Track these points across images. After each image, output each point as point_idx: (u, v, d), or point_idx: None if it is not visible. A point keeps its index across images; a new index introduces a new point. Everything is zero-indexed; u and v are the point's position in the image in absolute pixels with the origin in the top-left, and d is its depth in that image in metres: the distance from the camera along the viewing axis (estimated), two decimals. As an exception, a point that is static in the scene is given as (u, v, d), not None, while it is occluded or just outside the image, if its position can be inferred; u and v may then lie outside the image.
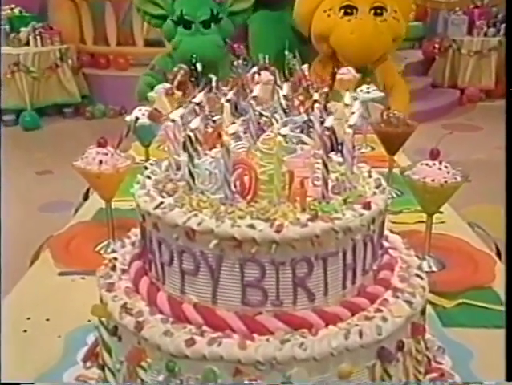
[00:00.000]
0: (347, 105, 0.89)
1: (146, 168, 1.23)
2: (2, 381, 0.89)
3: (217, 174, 0.83)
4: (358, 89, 1.87)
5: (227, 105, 1.00)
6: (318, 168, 0.85)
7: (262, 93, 2.67)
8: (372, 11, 2.89)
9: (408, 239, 0.97)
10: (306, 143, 0.93)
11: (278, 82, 2.39)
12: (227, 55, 3.06)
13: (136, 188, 0.85)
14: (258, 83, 2.48)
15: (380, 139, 1.56)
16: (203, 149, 1.00)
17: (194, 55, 2.10)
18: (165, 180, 0.84)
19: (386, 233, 0.92)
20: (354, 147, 0.84)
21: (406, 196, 1.48)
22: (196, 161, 0.82)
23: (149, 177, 0.87)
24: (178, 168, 0.87)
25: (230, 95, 1.06)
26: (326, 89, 1.84)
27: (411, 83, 3.89)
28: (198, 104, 0.98)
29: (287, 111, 1.94)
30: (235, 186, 0.80)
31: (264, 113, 2.30)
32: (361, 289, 0.78)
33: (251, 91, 2.58)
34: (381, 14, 2.92)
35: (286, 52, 2.31)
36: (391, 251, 0.89)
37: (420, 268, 0.86)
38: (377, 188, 0.82)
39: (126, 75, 4.75)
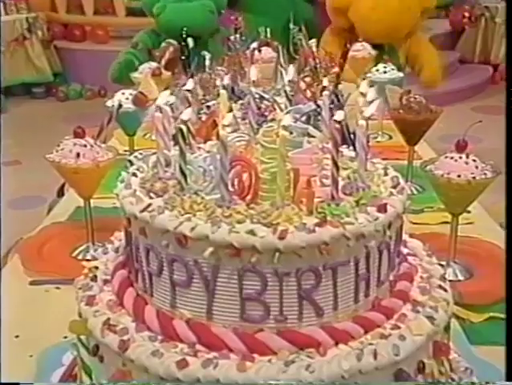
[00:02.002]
0: (362, 93, 0.90)
1: (131, 162, 1.25)
2: None
3: (212, 172, 0.85)
4: (373, 68, 1.88)
5: (223, 92, 1.01)
6: (326, 165, 0.87)
7: (264, 73, 2.70)
8: None
9: (430, 243, 0.99)
10: (313, 136, 0.95)
11: (282, 60, 2.42)
12: (219, 29, 3.04)
13: (120, 187, 0.86)
14: (258, 61, 2.52)
15: (399, 127, 1.58)
16: (196, 142, 1.03)
17: (184, 29, 2.10)
18: (153, 178, 0.86)
19: (404, 237, 0.94)
20: (368, 141, 0.86)
21: (428, 192, 1.50)
22: (188, 157, 0.84)
23: (135, 175, 0.89)
24: (168, 165, 0.88)
25: (227, 80, 1.07)
26: (336, 69, 1.87)
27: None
28: (190, 91, 0.99)
29: (292, 94, 1.96)
30: (233, 186, 0.81)
31: (265, 96, 2.32)
32: (376, 303, 0.80)
33: (250, 71, 2.59)
34: None
35: (291, 25, 2.33)
36: (410, 258, 0.91)
37: (443, 278, 0.88)
38: (394, 187, 0.84)
39: (105, 50, 4.73)
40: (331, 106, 1.22)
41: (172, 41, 2.22)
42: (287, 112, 0.93)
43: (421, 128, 1.53)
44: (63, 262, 1.33)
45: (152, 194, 0.82)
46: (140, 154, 1.26)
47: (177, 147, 0.83)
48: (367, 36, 2.72)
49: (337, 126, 0.75)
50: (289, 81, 1.03)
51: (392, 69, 1.87)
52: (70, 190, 1.57)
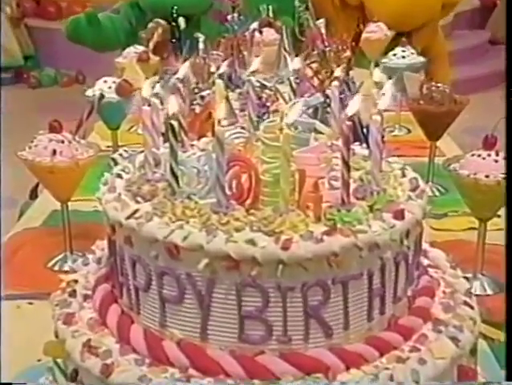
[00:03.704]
0: (376, 83, 0.91)
1: (115, 161, 1.26)
2: None
3: (207, 173, 0.86)
4: (390, 53, 1.89)
5: (220, 82, 1.02)
6: (336, 165, 0.88)
7: (265, 57, 2.71)
8: None
9: (455, 253, 1.00)
10: (321, 132, 0.96)
11: (286, 43, 2.43)
12: (213, 3, 3.03)
13: (103, 190, 0.88)
14: (258, 44, 2.53)
15: (419, 120, 1.59)
16: (189, 139, 1.04)
17: (175, 7, 2.11)
18: (141, 180, 0.87)
19: (425, 246, 0.95)
20: (383, 136, 0.87)
21: (452, 194, 1.51)
22: (180, 156, 0.85)
23: (120, 176, 0.90)
24: (157, 165, 0.90)
25: (224, 68, 1.08)
26: (348, 53, 1.88)
27: (463, 39, 3.90)
28: (181, 80, 1.01)
29: (297, 82, 1.96)
30: (230, 188, 0.83)
31: (267, 84, 2.34)
32: (392, 322, 0.81)
33: (250, 56, 2.61)
34: None
35: (297, 2, 2.34)
36: (431, 271, 0.92)
37: (469, 292, 0.89)
38: (413, 190, 0.85)
39: (84, 29, 4.75)
40: (342, 96, 1.23)
41: (160, 21, 2.24)
42: (291, 106, 0.94)
43: (444, 121, 1.54)
44: (37, 274, 1.34)
45: (139, 198, 0.83)
46: (126, 151, 1.27)
47: (167, 145, 0.85)
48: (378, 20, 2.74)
49: (348, 122, 0.76)
50: (294, 70, 1.04)
51: (412, 53, 1.88)
52: (44, 191, 1.58)
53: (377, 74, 0.95)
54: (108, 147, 1.73)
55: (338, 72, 1.03)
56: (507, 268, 1.09)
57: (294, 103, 0.92)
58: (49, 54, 5.10)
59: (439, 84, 1.53)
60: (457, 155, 1.28)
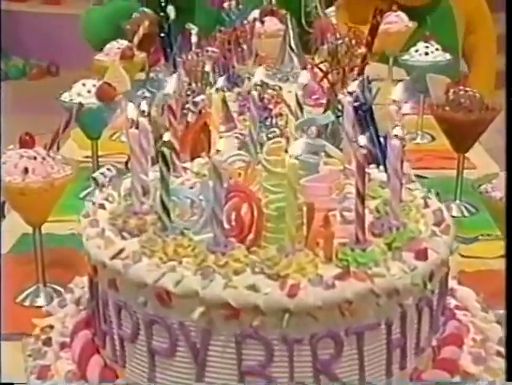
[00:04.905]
0: (394, 101, 0.92)
1: (96, 180, 1.27)
2: None
3: (202, 203, 0.87)
4: (412, 49, 1.90)
5: (216, 96, 1.04)
6: (349, 194, 0.89)
7: (267, 50, 2.72)
8: None
9: (487, 285, 1.00)
10: (331, 156, 0.97)
11: (291, 34, 2.44)
12: None
13: (84, 223, 0.89)
14: (260, 35, 2.54)
15: (444, 129, 1.58)
16: (181, 160, 1.05)
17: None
18: (127, 212, 0.88)
19: (451, 283, 0.96)
20: (403, 162, 0.88)
21: (484, 214, 1.51)
22: (171, 183, 0.86)
23: (103, 207, 0.91)
24: (145, 193, 0.91)
25: (221, 82, 1.09)
26: (363, 49, 1.89)
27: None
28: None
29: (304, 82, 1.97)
30: (229, 222, 0.84)
31: (270, 82, 2.35)
32: (415, 377, 0.82)
33: (249, 49, 2.62)
34: None
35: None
36: (459, 314, 0.93)
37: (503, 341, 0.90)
38: (438, 224, 0.86)
39: (57, 13, 4.76)
40: (355, 104, 1.24)
41: (147, 10, 2.24)
42: (298, 126, 0.96)
43: (474, 131, 1.54)
44: (4, 310, 1.34)
45: (125, 234, 0.84)
46: (109, 170, 1.27)
47: (157, 168, 0.86)
48: None
49: (362, 150, 0.78)
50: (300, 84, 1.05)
51: (437, 49, 1.88)
52: (12, 212, 1.59)
53: (398, 91, 0.95)
54: (87, 157, 1.74)
55: (353, 86, 1.04)
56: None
57: (300, 125, 0.93)
58: (16, 41, 5.07)
59: (467, 88, 1.53)
60: (488, 174, 1.28)
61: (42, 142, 1.35)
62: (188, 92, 1.86)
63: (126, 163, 1.55)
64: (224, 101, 2.00)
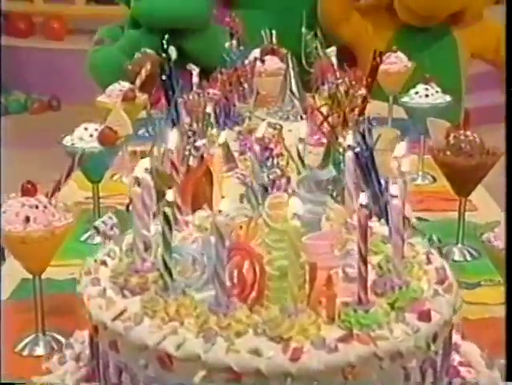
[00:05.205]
0: (395, 158, 0.93)
1: (97, 229, 1.27)
2: None
3: (204, 259, 0.87)
4: (412, 91, 1.91)
5: (219, 152, 1.04)
6: (352, 250, 0.89)
7: (268, 88, 2.73)
8: None
9: (490, 334, 1.00)
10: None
11: (292, 72, 2.46)
12: (210, 26, 3.05)
13: (85, 281, 0.88)
14: (261, 74, 2.56)
15: (446, 173, 1.59)
16: (183, 212, 1.05)
17: (165, 37, 2.14)
18: (129, 270, 0.88)
19: (455, 338, 0.95)
20: (404, 219, 0.88)
21: (486, 258, 1.51)
22: (173, 237, 0.86)
23: (104, 263, 0.91)
24: (147, 249, 0.91)
25: (223, 137, 1.10)
26: (363, 91, 1.90)
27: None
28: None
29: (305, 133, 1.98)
30: (231, 279, 0.84)
31: (271, 120, 2.36)
32: None
33: (250, 88, 2.63)
34: None
35: (303, 29, 2.36)
36: (463, 370, 0.92)
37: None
38: (441, 283, 0.86)
39: (60, 48, 4.78)
40: (356, 151, 1.24)
41: (149, 51, 2.26)
42: (300, 181, 0.96)
43: (475, 176, 1.54)
44: (4, 359, 1.32)
45: (126, 292, 0.84)
46: (110, 218, 1.27)
47: (158, 221, 0.86)
48: (408, 11, 2.74)
49: (364, 210, 0.78)
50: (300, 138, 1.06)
51: (437, 91, 1.89)
52: (11, 257, 1.57)
53: (400, 148, 0.96)
54: (88, 198, 1.74)
55: (349, 140, 1.04)
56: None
57: (302, 180, 0.93)
58: (18, 76, 5.08)
59: (468, 133, 1.54)
60: (490, 222, 1.28)
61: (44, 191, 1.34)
62: (190, 134, 1.88)
63: (127, 206, 1.56)
64: (225, 144, 2.02)
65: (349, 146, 1.02)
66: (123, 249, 0.94)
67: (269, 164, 1.67)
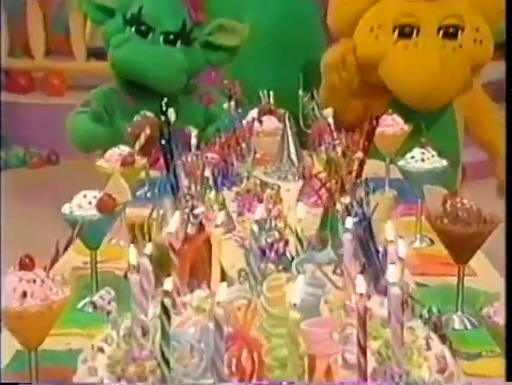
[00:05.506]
0: (390, 241, 0.93)
1: (94, 305, 1.26)
2: None
3: (202, 346, 0.87)
4: (408, 155, 1.91)
5: (217, 232, 1.04)
6: (351, 334, 0.88)
7: (266, 148, 2.74)
8: (442, 31, 2.81)
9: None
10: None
11: (289, 132, 2.47)
12: (197, 86, 3.06)
13: (81, 370, 0.87)
14: (258, 134, 2.58)
15: (443, 241, 1.58)
16: (181, 293, 1.05)
17: (164, 100, 2.16)
18: (126, 358, 0.87)
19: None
20: (403, 304, 0.88)
21: (486, 327, 1.49)
22: (172, 321, 0.86)
23: (101, 350, 0.90)
24: (145, 333, 0.90)
25: (222, 218, 1.10)
26: (360, 154, 1.91)
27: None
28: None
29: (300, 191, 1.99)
30: (229, 367, 0.83)
31: (268, 180, 2.36)
32: None
33: (248, 147, 2.64)
34: (455, 36, 2.83)
35: (300, 91, 2.38)
36: None
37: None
38: (441, 372, 0.85)
39: (60, 104, 4.80)
40: (355, 219, 1.24)
41: (148, 114, 2.27)
42: (298, 264, 0.96)
43: (472, 244, 1.53)
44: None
45: (123, 382, 0.83)
46: (108, 292, 1.26)
47: (157, 303, 0.85)
48: (402, 101, 2.78)
49: (365, 303, 0.77)
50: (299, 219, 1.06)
51: (433, 156, 1.89)
52: (5, 330, 1.55)
53: (389, 230, 0.96)
54: (85, 263, 1.73)
55: (349, 223, 1.05)
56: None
57: (300, 262, 0.93)
58: (18, 131, 5.09)
59: (465, 200, 1.54)
60: (489, 293, 1.27)
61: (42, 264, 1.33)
62: (188, 198, 1.88)
63: (125, 274, 1.55)
64: (223, 204, 2.03)
65: (347, 229, 1.02)
66: (120, 333, 0.93)
67: (267, 226, 1.67)
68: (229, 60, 2.98)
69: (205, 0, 3.02)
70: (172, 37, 2.85)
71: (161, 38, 2.88)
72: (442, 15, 2.84)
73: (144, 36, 2.88)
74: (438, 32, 2.84)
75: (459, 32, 2.85)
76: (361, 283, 0.80)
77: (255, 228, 1.04)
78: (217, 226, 1.12)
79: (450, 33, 2.84)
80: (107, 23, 2.99)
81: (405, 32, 2.80)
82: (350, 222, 1.05)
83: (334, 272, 1.04)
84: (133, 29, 2.88)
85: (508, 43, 2.00)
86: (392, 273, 0.84)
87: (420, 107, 2.76)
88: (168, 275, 0.90)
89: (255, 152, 2.39)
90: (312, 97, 2.29)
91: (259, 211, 1.10)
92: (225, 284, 0.88)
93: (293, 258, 1.18)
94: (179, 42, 2.86)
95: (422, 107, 2.77)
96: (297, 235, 1.03)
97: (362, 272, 1.10)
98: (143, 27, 2.88)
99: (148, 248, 0.92)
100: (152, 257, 0.92)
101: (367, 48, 2.85)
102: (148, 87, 2.88)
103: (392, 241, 0.94)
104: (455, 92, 2.91)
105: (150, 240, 0.96)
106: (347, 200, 1.54)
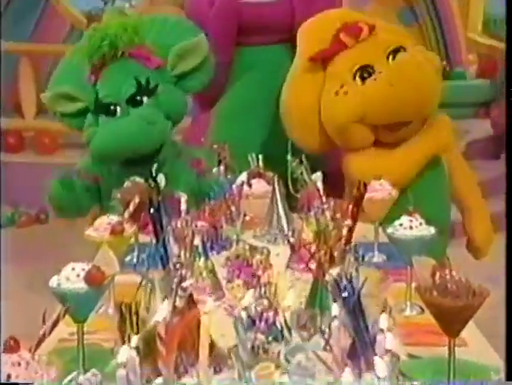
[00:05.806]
0: (381, 330, 0.92)
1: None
2: None
3: None
4: (397, 222, 1.92)
5: (205, 319, 1.04)
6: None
7: (255, 211, 2.74)
8: (391, 56, 2.87)
9: None
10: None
11: (278, 195, 2.48)
12: (174, 145, 3.04)
13: None
14: (248, 197, 2.58)
15: (432, 313, 1.58)
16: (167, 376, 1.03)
17: (155, 166, 2.16)
18: None
19: None
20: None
21: (478, 400, 1.48)
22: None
23: None
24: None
25: (211, 301, 1.10)
26: (349, 221, 1.91)
27: (476, 171, 3.99)
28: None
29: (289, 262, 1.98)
30: None
31: (258, 245, 2.36)
32: None
33: (237, 210, 2.64)
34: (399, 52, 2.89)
35: (289, 156, 2.39)
36: None
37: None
38: None
39: (50, 162, 4.79)
40: (344, 295, 1.24)
41: (138, 179, 2.28)
42: (288, 353, 0.95)
43: (461, 317, 1.52)
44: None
45: None
46: (94, 375, 1.24)
47: None
48: (391, 117, 2.78)
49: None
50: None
51: (420, 224, 1.89)
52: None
53: (383, 321, 0.96)
54: (72, 334, 1.71)
55: (335, 310, 1.04)
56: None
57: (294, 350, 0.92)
58: (7, 190, 5.06)
59: (454, 273, 1.54)
60: (481, 365, 1.26)
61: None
62: (177, 266, 1.87)
63: (112, 350, 1.53)
64: (212, 271, 2.02)
65: (335, 316, 1.01)
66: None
67: (257, 294, 1.66)
68: (205, 78, 2.95)
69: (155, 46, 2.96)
70: (138, 98, 2.81)
71: (129, 106, 2.81)
72: (385, 45, 2.89)
73: (114, 114, 2.82)
74: (388, 58, 2.86)
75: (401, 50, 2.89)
76: (348, 375, 0.80)
77: (243, 314, 1.03)
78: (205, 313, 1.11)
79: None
80: (83, 126, 2.93)
81: (365, 75, 2.84)
82: (336, 309, 1.05)
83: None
84: (104, 115, 2.82)
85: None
86: (380, 367, 0.83)
87: (407, 117, 2.77)
88: (155, 363, 0.90)
89: (245, 215, 2.40)
90: (301, 162, 2.31)
91: (248, 298, 1.09)
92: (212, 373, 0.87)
93: (282, 328, 1.17)
94: (145, 98, 2.83)
95: (410, 116, 2.78)
96: (285, 322, 1.02)
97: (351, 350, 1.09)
98: (111, 107, 2.82)
99: (134, 340, 0.91)
100: (139, 349, 0.91)
101: (343, 109, 2.84)
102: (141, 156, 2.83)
103: (382, 330, 0.93)
104: (437, 96, 2.92)
105: (138, 322, 0.95)
106: (335, 271, 1.53)
